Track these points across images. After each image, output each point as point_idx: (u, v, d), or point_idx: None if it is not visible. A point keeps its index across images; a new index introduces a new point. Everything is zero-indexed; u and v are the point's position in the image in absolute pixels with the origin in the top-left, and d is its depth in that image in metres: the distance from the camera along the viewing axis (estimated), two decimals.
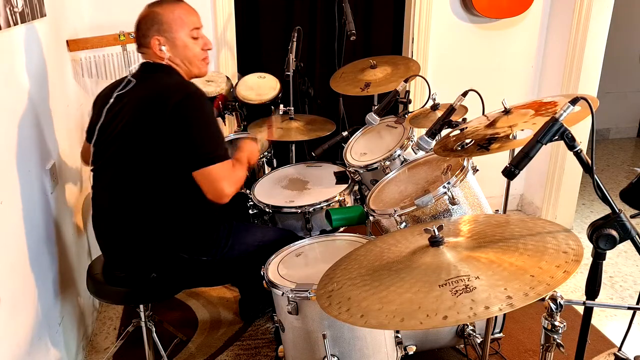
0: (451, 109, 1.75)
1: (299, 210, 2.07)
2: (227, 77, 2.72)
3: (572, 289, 2.63)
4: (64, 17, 2.36)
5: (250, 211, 2.18)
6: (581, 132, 2.98)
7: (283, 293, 1.54)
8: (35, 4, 1.84)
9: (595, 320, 2.38)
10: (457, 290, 1.03)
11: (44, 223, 1.80)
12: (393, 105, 2.26)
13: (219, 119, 2.74)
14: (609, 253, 1.12)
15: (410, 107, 2.42)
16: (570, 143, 1.13)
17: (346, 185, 2.18)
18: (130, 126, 1.66)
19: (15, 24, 1.63)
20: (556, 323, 1.11)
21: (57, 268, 1.91)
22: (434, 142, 1.76)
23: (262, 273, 1.67)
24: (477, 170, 1.86)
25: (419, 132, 2.24)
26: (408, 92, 2.41)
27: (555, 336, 1.12)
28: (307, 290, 1.50)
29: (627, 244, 1.17)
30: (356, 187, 2.21)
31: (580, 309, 1.18)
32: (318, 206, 2.07)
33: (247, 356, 2.18)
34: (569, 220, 3.31)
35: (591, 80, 3.00)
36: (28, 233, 1.64)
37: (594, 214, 3.48)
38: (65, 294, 1.98)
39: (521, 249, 1.14)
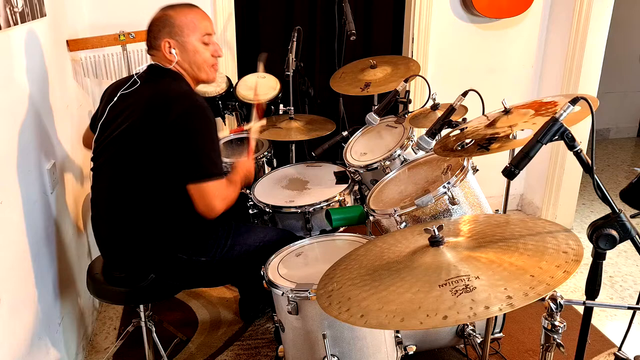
0: (451, 109, 1.75)
1: (299, 210, 2.07)
2: (227, 77, 2.72)
3: (572, 289, 2.63)
4: (64, 17, 2.36)
5: (250, 211, 2.18)
6: (581, 132, 2.98)
7: (283, 293, 1.54)
8: (35, 4, 1.84)
9: (595, 320, 2.38)
10: (457, 290, 1.03)
11: (43, 223, 1.80)
12: (393, 105, 2.26)
13: (219, 119, 2.74)
14: (609, 253, 1.12)
15: (410, 107, 2.42)
16: (570, 143, 1.13)
17: (346, 185, 2.18)
18: (131, 129, 1.66)
19: (15, 24, 1.63)
20: (556, 323, 1.11)
21: (57, 268, 1.91)
22: (434, 142, 1.76)
23: (262, 273, 1.67)
24: (477, 170, 1.85)
25: (419, 132, 2.24)
26: (408, 92, 2.41)
27: (555, 336, 1.12)
28: (307, 290, 1.50)
29: (627, 244, 1.17)
30: (356, 187, 2.21)
31: (580, 309, 1.18)
32: (318, 206, 2.07)
33: (247, 356, 2.18)
34: (569, 220, 3.31)
35: (591, 80, 3.00)
36: (28, 233, 1.64)
37: (594, 214, 3.48)
38: (65, 294, 1.98)
39: (521, 248, 1.14)
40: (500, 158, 1.57)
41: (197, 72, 1.77)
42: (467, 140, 1.55)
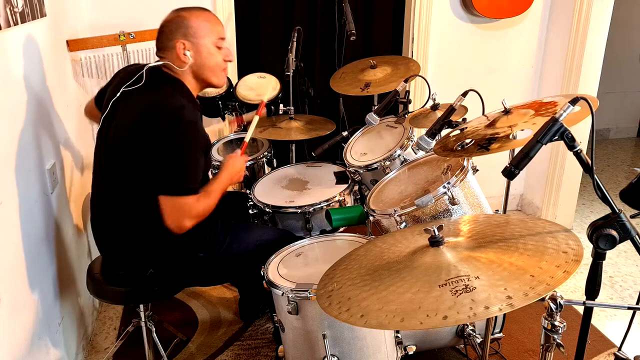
0: (451, 109, 1.75)
1: (299, 210, 2.07)
2: (228, 77, 2.72)
3: (572, 289, 2.63)
4: (64, 17, 2.36)
5: (250, 211, 2.18)
6: (581, 132, 2.98)
7: (283, 293, 1.54)
8: (35, 4, 1.84)
9: (595, 320, 2.38)
10: (457, 290, 1.03)
11: (43, 223, 1.80)
12: (393, 105, 2.26)
13: (219, 119, 2.74)
14: (609, 253, 1.12)
15: (410, 107, 2.42)
16: (570, 143, 1.13)
17: (346, 185, 2.18)
18: (122, 139, 1.65)
19: (16, 24, 1.63)
20: (556, 323, 1.11)
21: (57, 268, 1.91)
22: (434, 142, 1.76)
23: (262, 273, 1.67)
24: (477, 170, 1.85)
25: (419, 132, 2.24)
26: (408, 92, 2.41)
27: (555, 336, 1.12)
28: (307, 290, 1.50)
29: (627, 244, 1.17)
30: (356, 187, 2.21)
31: (580, 309, 1.18)
32: (318, 206, 2.07)
33: (247, 356, 2.18)
34: (569, 220, 3.31)
35: (591, 80, 3.00)
36: (28, 233, 1.64)
37: (594, 214, 3.48)
38: (65, 294, 1.98)
39: (521, 249, 1.14)
40: (500, 158, 1.56)
41: (208, 75, 1.75)
42: (467, 141, 1.55)
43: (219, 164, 2.41)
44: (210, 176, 1.87)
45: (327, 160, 2.46)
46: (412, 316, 1.01)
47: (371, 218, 1.85)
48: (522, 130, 1.47)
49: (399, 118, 2.39)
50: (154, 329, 1.93)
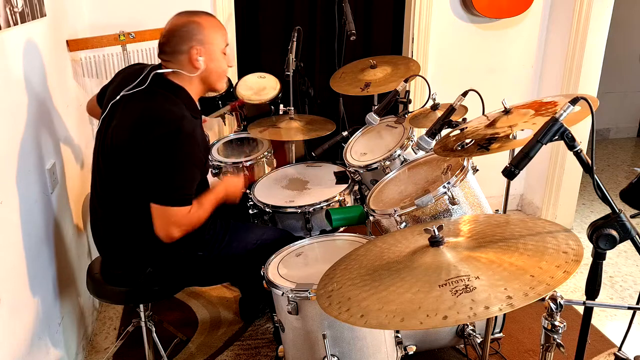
0: (451, 109, 1.75)
1: (299, 210, 2.07)
2: (228, 77, 2.72)
3: (572, 289, 2.63)
4: (64, 17, 2.36)
5: (250, 211, 2.18)
6: (581, 132, 2.98)
7: (283, 293, 1.54)
8: (35, 4, 1.84)
9: (595, 320, 2.38)
10: (457, 290, 1.03)
11: (43, 223, 1.80)
12: (393, 105, 2.26)
13: (219, 119, 2.74)
14: (609, 253, 1.12)
15: (410, 107, 2.42)
16: (570, 143, 1.13)
17: (346, 185, 2.18)
18: (120, 146, 1.65)
19: (15, 24, 1.63)
20: (556, 323, 1.11)
21: (57, 268, 1.91)
22: (434, 142, 1.76)
23: (262, 273, 1.67)
24: (477, 170, 1.85)
25: (419, 132, 2.24)
26: (408, 92, 2.41)
27: (555, 336, 1.12)
28: (307, 290, 1.50)
29: (627, 244, 1.17)
30: (356, 187, 2.21)
31: (580, 309, 1.18)
32: (318, 206, 2.07)
33: (247, 356, 2.18)
34: (569, 220, 3.31)
35: (591, 80, 3.00)
36: (28, 233, 1.64)
37: (594, 214, 3.48)
38: (65, 294, 1.98)
39: (521, 249, 1.14)
40: (500, 158, 1.56)
41: (214, 80, 1.75)
42: (467, 140, 1.55)
43: (218, 164, 2.42)
44: (210, 176, 1.87)
45: (327, 160, 2.46)
46: (412, 316, 1.01)
47: (371, 218, 1.85)
48: (522, 130, 1.47)
49: (399, 118, 2.39)
50: (154, 329, 1.93)
